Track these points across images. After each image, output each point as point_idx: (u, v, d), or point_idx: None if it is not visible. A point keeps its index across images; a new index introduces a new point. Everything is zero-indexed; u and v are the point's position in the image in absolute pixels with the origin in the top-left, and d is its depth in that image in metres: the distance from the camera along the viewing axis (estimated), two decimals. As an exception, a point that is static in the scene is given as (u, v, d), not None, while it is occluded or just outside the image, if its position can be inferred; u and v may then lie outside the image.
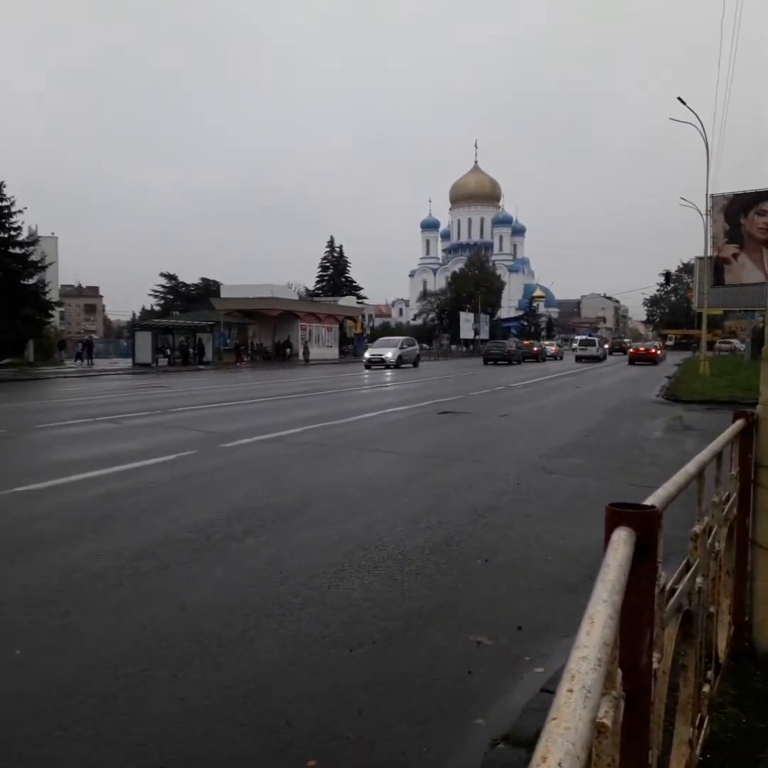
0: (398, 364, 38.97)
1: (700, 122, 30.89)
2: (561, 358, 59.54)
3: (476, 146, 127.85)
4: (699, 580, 2.18)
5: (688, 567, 2.08)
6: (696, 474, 2.05)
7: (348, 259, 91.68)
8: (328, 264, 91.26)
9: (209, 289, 72.18)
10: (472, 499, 6.94)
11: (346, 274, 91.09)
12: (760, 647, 3.44)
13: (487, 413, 15.30)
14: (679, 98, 29.37)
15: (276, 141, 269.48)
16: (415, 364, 41.65)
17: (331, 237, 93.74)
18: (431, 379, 29.07)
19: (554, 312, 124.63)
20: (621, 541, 1.21)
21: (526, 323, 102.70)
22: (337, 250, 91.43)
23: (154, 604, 4.18)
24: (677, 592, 1.89)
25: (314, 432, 11.68)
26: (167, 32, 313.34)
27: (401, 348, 40.59)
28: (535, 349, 56.66)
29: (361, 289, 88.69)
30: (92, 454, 9.38)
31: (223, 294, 56.28)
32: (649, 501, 1.50)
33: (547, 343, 70.12)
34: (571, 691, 0.71)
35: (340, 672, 3.37)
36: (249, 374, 33.76)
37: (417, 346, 44.47)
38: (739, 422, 3.21)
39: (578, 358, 52.89)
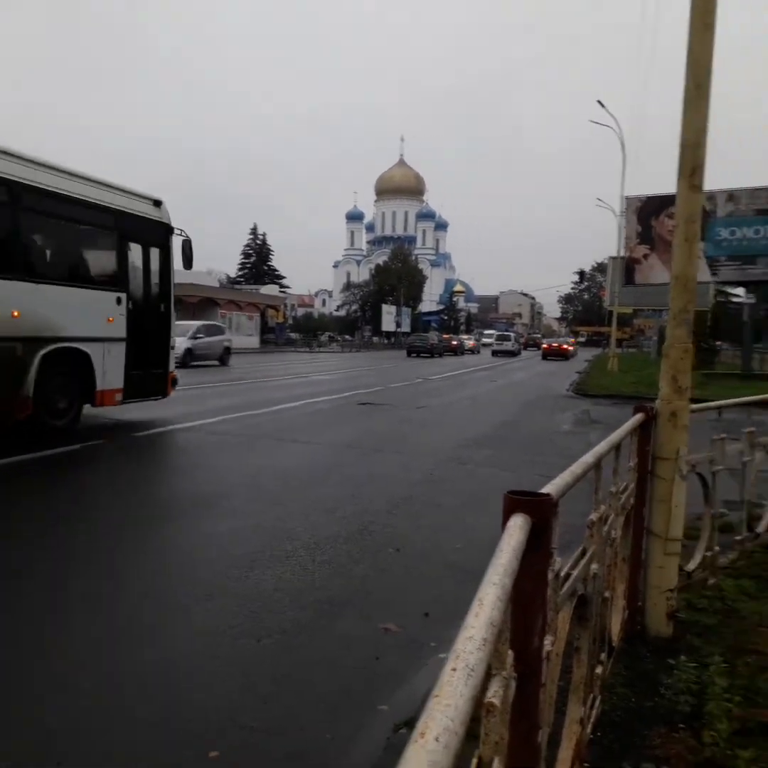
0: (187, 361, 25.12)
1: (618, 125, 32.03)
2: (478, 352, 60.73)
3: (402, 140, 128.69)
4: (594, 566, 2.28)
5: (583, 553, 2.18)
6: (594, 464, 2.14)
7: (271, 248, 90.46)
8: (250, 252, 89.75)
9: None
10: (388, 490, 7.00)
11: (269, 263, 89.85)
12: (651, 630, 3.64)
13: (405, 405, 15.45)
14: (599, 101, 30.33)
15: (199, 122, 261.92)
16: (223, 361, 28.49)
17: (254, 224, 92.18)
18: (352, 370, 29.10)
19: (473, 307, 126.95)
20: (516, 527, 1.26)
21: (446, 317, 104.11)
22: (261, 237, 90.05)
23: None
24: (572, 578, 1.97)
25: (232, 422, 11.50)
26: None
27: (194, 338, 26.59)
28: (455, 343, 57.57)
29: (284, 278, 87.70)
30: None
31: (141, 279, 54.19)
32: (545, 489, 1.56)
33: (465, 337, 71.34)
34: (454, 669, 0.73)
35: (248, 662, 3.35)
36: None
37: (226, 336, 30.89)
38: (639, 416, 3.37)
39: (494, 353, 54.14)
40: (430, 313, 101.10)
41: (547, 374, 30.91)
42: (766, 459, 5.21)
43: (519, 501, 1.37)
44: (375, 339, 77.89)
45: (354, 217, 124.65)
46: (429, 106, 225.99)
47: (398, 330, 77.59)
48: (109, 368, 9.55)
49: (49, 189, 8.42)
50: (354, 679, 3.25)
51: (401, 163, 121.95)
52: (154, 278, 10.84)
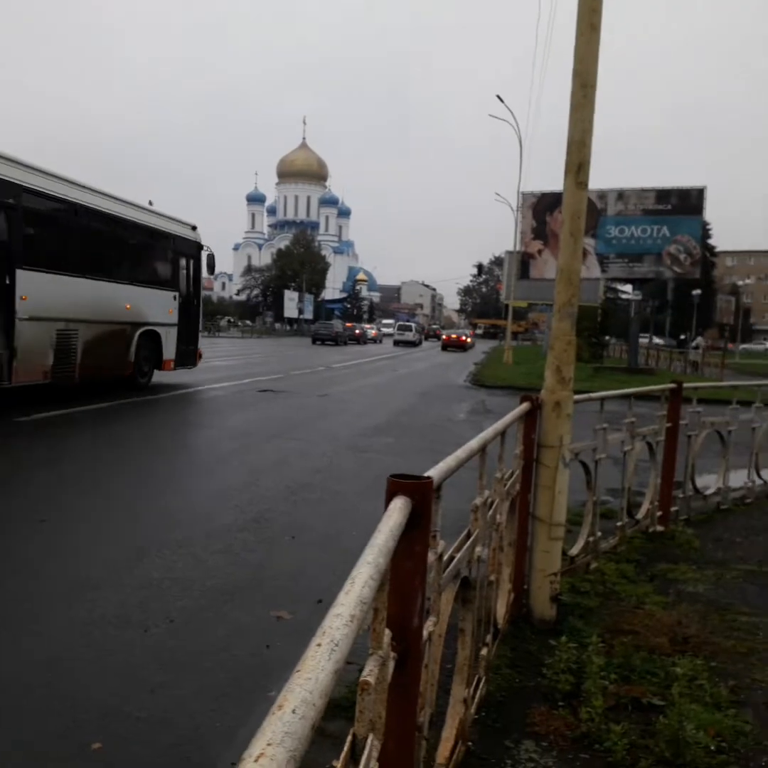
0: None
1: (516, 120, 32.88)
2: (380, 342, 61.20)
3: (305, 123, 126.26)
4: (479, 549, 2.35)
5: (468, 536, 2.24)
6: (478, 450, 2.20)
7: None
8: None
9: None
10: (286, 477, 6.96)
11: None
12: (535, 612, 3.79)
13: (307, 393, 15.37)
14: (498, 96, 30.95)
15: (99, 97, 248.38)
16: None
17: (150, 202, 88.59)
18: (253, 356, 28.65)
19: (376, 296, 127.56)
20: (395, 509, 1.28)
21: (349, 306, 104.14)
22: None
23: None
24: (456, 560, 2.03)
25: (125, 408, 11.09)
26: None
27: None
28: (358, 331, 57.79)
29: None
30: None
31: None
32: (429, 473, 1.59)
33: (368, 326, 71.69)
34: (319, 644, 0.74)
35: (134, 652, 3.27)
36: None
37: None
38: (525, 405, 3.50)
39: (396, 342, 54.75)
40: (333, 301, 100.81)
41: (446, 365, 31.54)
42: (646, 449, 5.53)
43: (400, 484, 1.39)
44: (277, 325, 76.94)
45: (255, 199, 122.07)
46: (332, 92, 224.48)
47: (301, 317, 76.94)
48: (169, 345, 13.97)
49: (140, 223, 13.05)
50: (245, 667, 3.23)
51: (304, 146, 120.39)
52: (191, 281, 15.11)
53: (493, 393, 17.81)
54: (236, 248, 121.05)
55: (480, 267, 79.09)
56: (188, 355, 14.95)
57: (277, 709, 0.61)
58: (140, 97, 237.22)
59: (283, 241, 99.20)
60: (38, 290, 9.93)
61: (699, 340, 37.94)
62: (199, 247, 15.22)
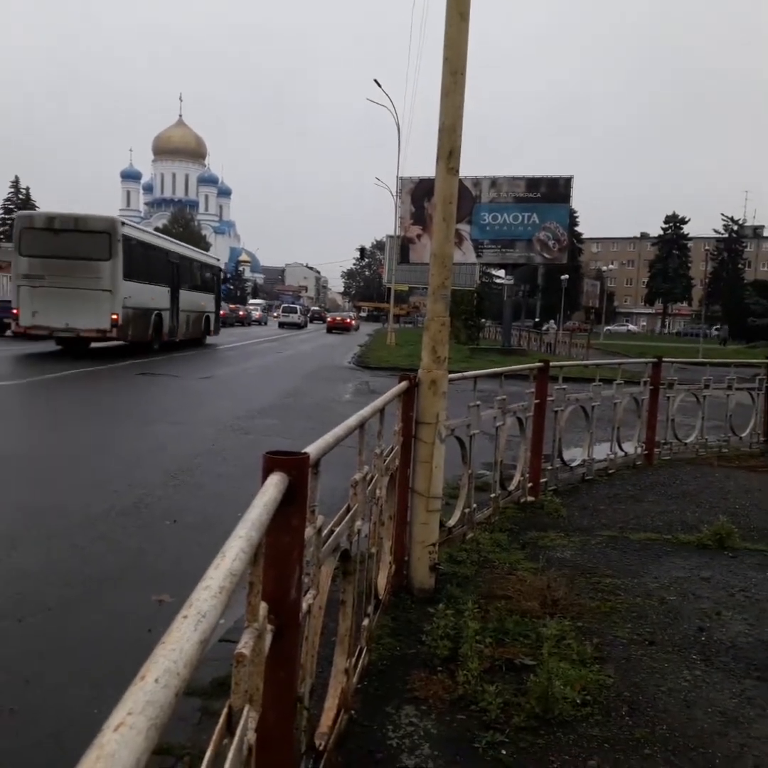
0: None
1: (394, 106, 33.07)
2: (265, 324, 60.35)
3: (181, 99, 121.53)
4: (358, 523, 2.41)
5: (348, 510, 2.29)
6: (356, 427, 2.24)
7: (36, 203, 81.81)
8: (11, 206, 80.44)
9: None
10: (165, 461, 6.77)
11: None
12: (415, 582, 3.91)
13: (189, 375, 14.95)
14: (375, 80, 30.96)
15: None
16: None
17: (16, 177, 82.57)
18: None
19: (260, 278, 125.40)
20: (270, 485, 1.29)
21: (232, 287, 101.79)
22: (24, 192, 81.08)
23: None
24: (335, 533, 2.07)
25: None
26: None
27: None
28: (242, 313, 56.68)
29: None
30: None
31: None
32: (306, 449, 1.61)
33: (252, 307, 70.44)
34: (185, 616, 0.75)
35: (8, 643, 3.15)
36: None
37: None
38: (403, 384, 3.59)
39: (281, 325, 54.20)
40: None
41: (331, 346, 31.57)
42: (516, 424, 5.80)
43: (277, 460, 1.41)
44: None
45: (130, 176, 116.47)
46: (210, 67, 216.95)
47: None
48: (211, 322, 26.15)
49: (200, 260, 25.91)
50: (124, 653, 3.14)
51: (181, 123, 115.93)
52: (217, 288, 27.76)
53: (377, 374, 18.04)
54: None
55: (363, 251, 79.56)
56: (218, 329, 27.73)
57: (140, 680, 0.61)
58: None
59: (161, 220, 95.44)
60: (183, 295, 22.13)
61: (550, 323, 40.27)
62: (220, 269, 29.86)
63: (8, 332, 19.01)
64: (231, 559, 0.91)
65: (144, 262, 18.63)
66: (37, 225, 17.23)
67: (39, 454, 6.89)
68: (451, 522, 4.64)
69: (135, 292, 17.73)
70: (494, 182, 28.30)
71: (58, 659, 3.05)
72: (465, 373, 5.07)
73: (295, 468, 1.44)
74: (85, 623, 3.39)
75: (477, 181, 27.99)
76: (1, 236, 75.08)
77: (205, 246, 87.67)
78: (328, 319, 56.49)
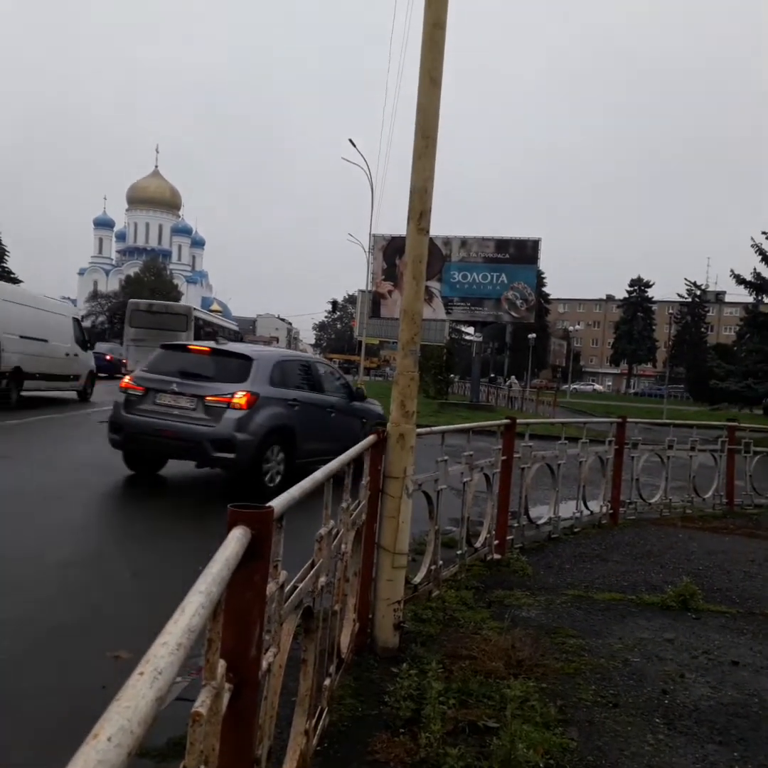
0: None
1: (367, 165, 33.92)
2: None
3: (157, 150, 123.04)
4: (322, 579, 2.37)
5: (312, 566, 2.25)
6: (322, 480, 2.23)
7: (6, 248, 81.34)
8: (-21, 249, 79.83)
9: None
10: (128, 514, 6.62)
11: (3, 263, 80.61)
12: (379, 641, 3.83)
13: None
14: (350, 140, 31.85)
15: None
16: None
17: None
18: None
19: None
20: (233, 539, 1.28)
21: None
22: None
23: None
24: (298, 590, 2.03)
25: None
26: None
27: None
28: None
29: (22, 281, 79.05)
30: None
31: None
32: (271, 503, 1.60)
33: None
34: (142, 673, 0.73)
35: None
36: None
37: None
38: (372, 437, 3.59)
39: None
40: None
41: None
42: (483, 480, 5.81)
43: (240, 513, 1.40)
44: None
45: (103, 223, 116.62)
46: (189, 118, 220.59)
47: (149, 346, 73.99)
48: None
49: (231, 327, 38.35)
50: (77, 709, 3.01)
51: (156, 173, 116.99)
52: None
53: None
54: (82, 273, 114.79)
55: (335, 304, 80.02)
56: None
57: (93, 739, 0.60)
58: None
59: (133, 268, 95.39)
60: None
61: (512, 379, 40.98)
62: (239, 332, 41.64)
63: (117, 374, 26.10)
64: (190, 615, 0.90)
65: (202, 331, 28.09)
66: (141, 308, 27.60)
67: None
68: (417, 579, 4.59)
69: None
70: (464, 242, 28.99)
71: (4, 716, 2.92)
72: (433, 428, 5.09)
73: (260, 522, 1.43)
74: (35, 678, 3.26)
75: (447, 241, 28.65)
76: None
77: (176, 295, 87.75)
78: None
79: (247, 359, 8.01)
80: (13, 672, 3.30)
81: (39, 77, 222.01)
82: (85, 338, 19.05)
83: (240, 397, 7.42)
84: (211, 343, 8.90)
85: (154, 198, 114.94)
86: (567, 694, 3.46)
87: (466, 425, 5.55)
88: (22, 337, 15.07)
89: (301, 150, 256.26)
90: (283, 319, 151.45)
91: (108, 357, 29.38)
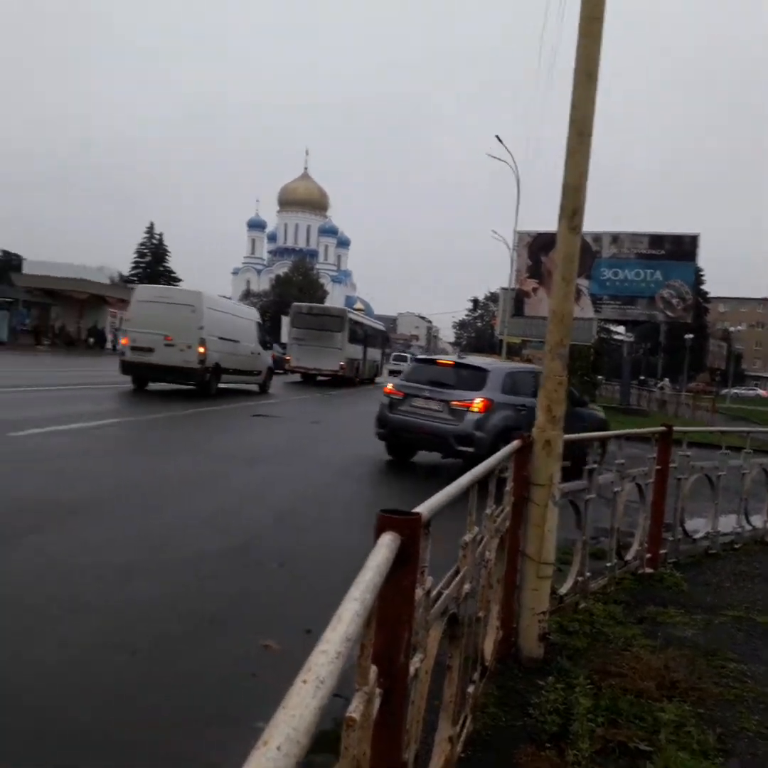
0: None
1: (514, 160, 33.34)
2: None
3: (307, 153, 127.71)
4: (467, 586, 2.35)
5: (456, 573, 2.24)
6: (468, 486, 2.21)
7: (168, 248, 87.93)
8: (146, 251, 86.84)
9: (10, 263, 65.52)
10: (274, 503, 6.93)
11: (165, 264, 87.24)
12: (524, 651, 3.75)
13: (300, 418, 15.38)
14: (497, 136, 31.50)
15: (93, 110, 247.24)
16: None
17: (151, 223, 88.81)
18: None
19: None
20: (383, 545, 1.28)
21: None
22: (157, 237, 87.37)
23: None
24: (444, 596, 2.02)
25: (116, 427, 11.07)
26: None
27: None
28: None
29: (181, 281, 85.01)
30: None
31: (26, 270, 51.41)
32: (418, 509, 1.60)
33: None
34: (305, 681, 0.74)
35: (122, 676, 3.24)
36: (48, 359, 31.18)
37: None
38: (516, 443, 3.51)
39: (391, 372, 55.05)
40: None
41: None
42: (635, 490, 5.54)
43: (389, 519, 1.40)
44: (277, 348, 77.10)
45: (256, 225, 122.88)
46: (336, 120, 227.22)
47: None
48: (379, 367, 39.05)
49: (377, 327, 40.92)
50: (232, 695, 3.19)
51: (305, 176, 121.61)
52: (382, 344, 41.68)
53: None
54: (235, 273, 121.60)
55: (475, 302, 79.78)
56: (381, 371, 38.74)
57: (263, 746, 0.61)
58: (141, 119, 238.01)
59: (282, 268, 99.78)
60: (368, 351, 34.92)
61: (664, 381, 38.46)
62: (385, 332, 43.96)
63: (279, 371, 28.05)
64: (346, 623, 0.91)
65: (354, 332, 30.90)
66: (302, 311, 30.75)
67: (157, 487, 7.22)
68: (563, 590, 4.45)
69: (350, 350, 30.01)
70: (616, 238, 27.78)
71: (168, 696, 3.12)
72: (581, 435, 4.91)
73: (408, 528, 1.43)
74: (193, 661, 3.46)
75: (597, 237, 27.58)
76: (134, 278, 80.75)
77: (322, 294, 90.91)
78: None
79: (483, 371, 9.68)
80: (170, 655, 3.52)
81: (198, 79, 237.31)
82: (265, 339, 21.82)
83: (478, 403, 9.09)
84: (455, 357, 10.91)
85: (304, 199, 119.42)
86: (727, 722, 3.24)
87: (618, 432, 5.31)
88: (220, 338, 17.75)
89: (446, 148, 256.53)
90: (422, 318, 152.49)
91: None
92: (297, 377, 30.12)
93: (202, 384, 17.19)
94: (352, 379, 30.70)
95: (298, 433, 13.14)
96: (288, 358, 29.45)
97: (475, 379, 9.48)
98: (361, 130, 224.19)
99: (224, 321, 18.44)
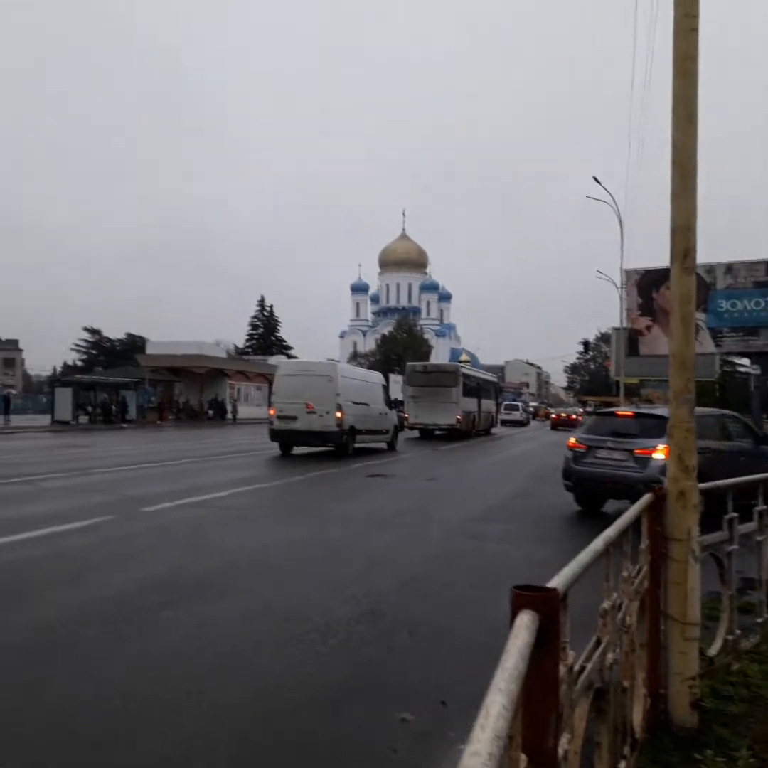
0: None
1: (614, 200, 32.77)
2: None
3: (404, 215, 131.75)
4: (610, 656, 2.23)
5: (598, 643, 2.13)
6: (603, 551, 2.12)
7: (278, 319, 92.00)
8: (258, 323, 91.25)
9: (135, 344, 70.44)
10: (398, 567, 6.90)
11: (277, 333, 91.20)
12: (675, 720, 3.49)
13: (415, 476, 15.36)
14: (595, 178, 31.19)
15: (201, 189, 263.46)
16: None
17: (262, 296, 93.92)
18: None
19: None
20: (522, 627, 1.25)
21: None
22: (268, 309, 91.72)
23: (64, 684, 3.96)
24: (587, 670, 1.93)
25: (242, 496, 11.45)
26: (80, 58, 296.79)
27: None
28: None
29: (292, 348, 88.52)
30: (3, 517, 8.90)
31: (149, 350, 55.18)
32: (552, 582, 1.55)
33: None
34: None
35: (259, 750, 3.28)
36: (173, 433, 32.90)
37: None
38: (648, 496, 3.35)
39: (503, 422, 54.16)
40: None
41: (557, 444, 30.66)
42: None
43: (525, 597, 1.37)
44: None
45: (359, 288, 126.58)
46: (430, 178, 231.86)
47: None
48: (493, 418, 40.13)
49: (489, 379, 40.54)
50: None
51: (403, 236, 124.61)
52: (495, 395, 41.18)
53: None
54: (342, 336, 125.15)
55: (586, 344, 77.74)
56: (496, 423, 40.90)
57: None
58: (247, 194, 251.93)
59: (387, 327, 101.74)
60: (483, 403, 35.50)
61: None
62: (498, 383, 42.70)
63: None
64: (495, 719, 0.88)
65: (467, 385, 31.74)
66: (417, 369, 32.06)
67: (282, 555, 7.36)
68: (713, 651, 4.13)
69: (465, 404, 30.81)
70: (730, 268, 26.51)
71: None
72: (717, 483, 4.60)
73: (545, 605, 1.38)
74: (329, 734, 3.45)
75: (710, 268, 26.43)
76: (249, 350, 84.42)
77: (427, 349, 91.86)
78: (552, 415, 55.52)
79: (662, 419, 9.54)
80: (307, 724, 3.54)
81: (299, 151, 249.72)
82: (390, 400, 23.93)
83: (661, 449, 9.23)
84: (633, 408, 11.75)
85: (403, 259, 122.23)
86: None
87: (756, 477, 4.95)
88: (353, 403, 19.86)
89: (543, 194, 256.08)
90: (531, 364, 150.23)
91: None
92: (415, 433, 31.15)
93: (340, 445, 19.20)
94: (468, 431, 31.44)
95: (426, 491, 13.11)
96: (406, 415, 30.51)
97: (656, 426, 9.65)
98: (455, 183, 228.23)
99: (356, 387, 20.48)
